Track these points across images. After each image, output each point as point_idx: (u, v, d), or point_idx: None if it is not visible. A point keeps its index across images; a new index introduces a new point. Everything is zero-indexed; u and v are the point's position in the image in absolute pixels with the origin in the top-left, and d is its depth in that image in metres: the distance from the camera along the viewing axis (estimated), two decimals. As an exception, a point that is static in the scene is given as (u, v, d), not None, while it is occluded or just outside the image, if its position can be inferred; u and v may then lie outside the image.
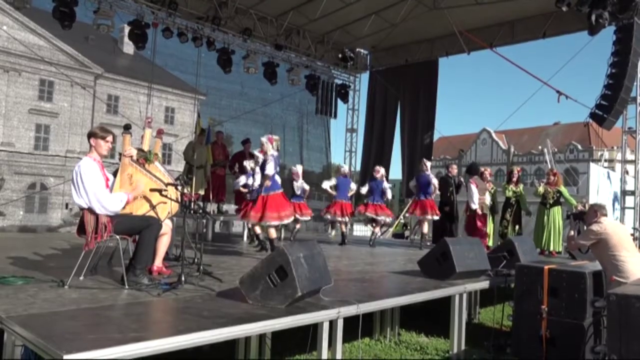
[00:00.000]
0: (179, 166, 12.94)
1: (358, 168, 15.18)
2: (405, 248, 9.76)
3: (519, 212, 9.14)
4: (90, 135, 4.23)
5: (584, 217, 5.50)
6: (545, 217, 8.73)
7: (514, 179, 9.26)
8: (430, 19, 12.02)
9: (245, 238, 9.45)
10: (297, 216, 8.64)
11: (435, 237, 10.12)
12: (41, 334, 2.66)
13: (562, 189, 8.85)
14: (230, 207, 10.79)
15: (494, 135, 53.73)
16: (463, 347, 5.00)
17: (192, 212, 5.39)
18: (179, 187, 4.77)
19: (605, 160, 35.49)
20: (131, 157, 4.55)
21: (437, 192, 9.35)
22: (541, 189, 8.88)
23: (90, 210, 4.07)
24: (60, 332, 2.80)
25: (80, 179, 4.05)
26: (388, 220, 9.67)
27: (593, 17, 8.85)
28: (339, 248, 8.96)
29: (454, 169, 9.85)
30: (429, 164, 9.44)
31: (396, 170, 35.64)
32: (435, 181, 9.18)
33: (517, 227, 9.08)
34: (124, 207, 4.23)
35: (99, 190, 4.08)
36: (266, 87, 13.64)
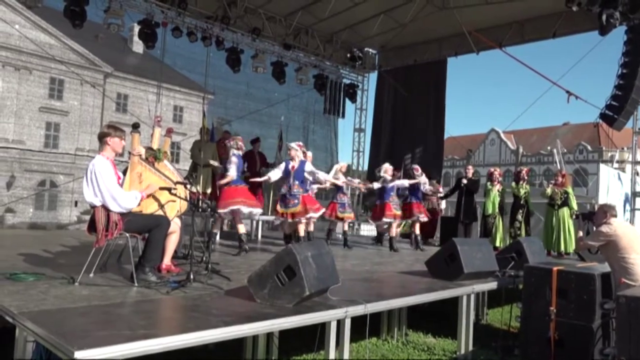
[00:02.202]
0: (186, 165, 13.02)
1: (366, 168, 15.18)
2: (412, 248, 9.72)
3: (528, 213, 9.11)
4: (106, 135, 4.23)
5: (593, 217, 5.47)
6: (554, 218, 8.69)
7: (525, 178, 9.24)
8: (439, 19, 11.98)
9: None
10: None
11: (443, 238, 10.11)
12: (53, 330, 2.69)
13: (569, 190, 8.81)
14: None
15: (502, 135, 53.45)
16: (471, 348, 4.99)
17: (200, 210, 5.42)
18: (188, 186, 4.81)
19: (616, 161, 35.18)
20: (140, 155, 4.59)
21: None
22: (549, 190, 8.85)
23: (104, 207, 4.11)
24: (71, 329, 2.83)
25: (95, 177, 4.08)
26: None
27: (604, 17, 8.77)
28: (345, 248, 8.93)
29: (469, 170, 9.84)
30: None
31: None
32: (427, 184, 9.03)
33: (527, 228, 9.06)
34: (138, 205, 4.27)
35: (114, 188, 4.12)
36: (272, 87, 13.65)
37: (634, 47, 9.34)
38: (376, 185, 8.82)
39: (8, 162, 22.92)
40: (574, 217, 8.53)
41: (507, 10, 11.22)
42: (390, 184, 8.62)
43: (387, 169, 8.77)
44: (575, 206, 8.73)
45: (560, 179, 8.91)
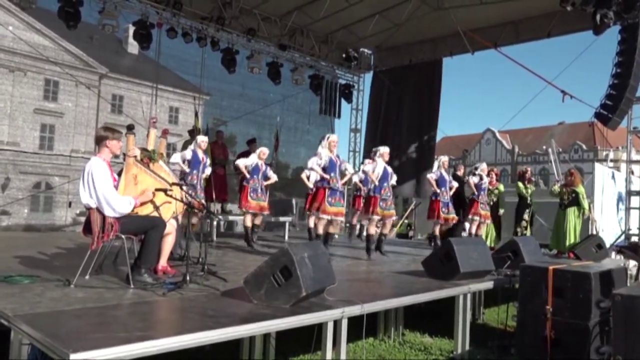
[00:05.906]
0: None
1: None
2: (409, 248, 9.74)
3: (532, 213, 9.16)
4: (104, 138, 4.22)
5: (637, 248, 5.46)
6: (560, 218, 8.68)
7: (529, 178, 9.30)
8: (434, 19, 12.00)
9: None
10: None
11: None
12: (48, 333, 2.68)
13: (579, 189, 8.75)
14: (234, 207, 10.79)
15: (498, 135, 53.56)
16: (467, 348, 5.00)
17: (194, 209, 5.38)
18: (184, 187, 4.79)
19: (610, 160, 35.33)
20: (135, 157, 4.57)
21: None
22: (556, 188, 8.85)
23: (98, 210, 4.09)
24: (66, 331, 2.82)
25: (91, 179, 4.07)
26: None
27: (598, 17, 8.81)
28: (342, 248, 8.93)
29: (461, 169, 9.84)
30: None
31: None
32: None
33: (531, 228, 9.10)
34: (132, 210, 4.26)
35: (109, 191, 4.10)
36: (267, 87, 13.66)
37: (628, 47, 9.37)
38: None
39: (2, 164, 22.80)
40: (583, 217, 8.57)
41: (502, 10, 11.25)
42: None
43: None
44: (586, 205, 8.68)
45: (569, 177, 8.91)
